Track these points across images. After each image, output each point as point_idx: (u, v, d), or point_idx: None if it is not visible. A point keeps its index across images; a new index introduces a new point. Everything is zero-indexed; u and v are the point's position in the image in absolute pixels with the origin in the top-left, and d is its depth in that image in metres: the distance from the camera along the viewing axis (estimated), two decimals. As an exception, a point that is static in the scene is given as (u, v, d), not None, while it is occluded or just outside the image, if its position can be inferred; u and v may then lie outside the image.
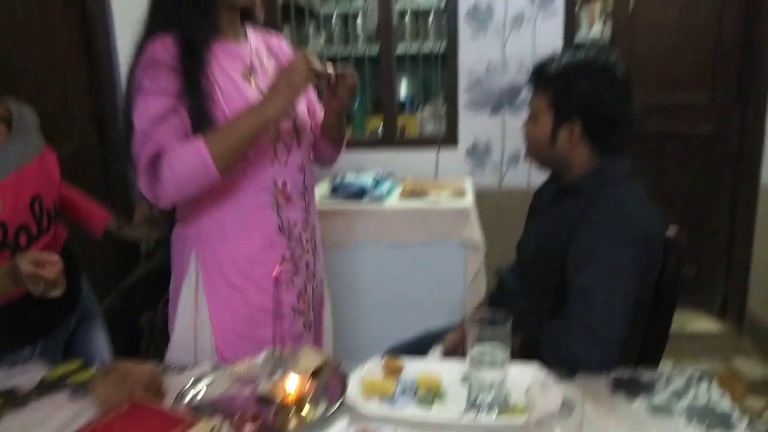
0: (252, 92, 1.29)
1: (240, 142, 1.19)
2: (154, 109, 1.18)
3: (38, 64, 2.32)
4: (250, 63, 1.33)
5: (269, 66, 1.37)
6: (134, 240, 1.76)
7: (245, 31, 1.36)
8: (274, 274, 0.99)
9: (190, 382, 1.10)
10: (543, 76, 1.34)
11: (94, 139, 2.59)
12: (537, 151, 1.40)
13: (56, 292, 1.13)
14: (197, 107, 1.20)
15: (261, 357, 1.15)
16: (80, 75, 2.58)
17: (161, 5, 1.26)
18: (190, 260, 1.32)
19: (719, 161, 3.04)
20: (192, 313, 1.32)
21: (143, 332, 2.16)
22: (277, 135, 1.32)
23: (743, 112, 2.89)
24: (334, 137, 1.48)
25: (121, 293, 2.21)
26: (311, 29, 3.48)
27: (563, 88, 1.30)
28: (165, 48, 1.20)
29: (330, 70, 1.25)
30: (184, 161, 1.16)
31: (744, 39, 2.85)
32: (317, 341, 1.52)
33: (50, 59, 2.51)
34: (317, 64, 1.20)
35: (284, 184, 1.34)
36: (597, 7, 4.13)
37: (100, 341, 1.56)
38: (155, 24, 1.25)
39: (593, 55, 1.33)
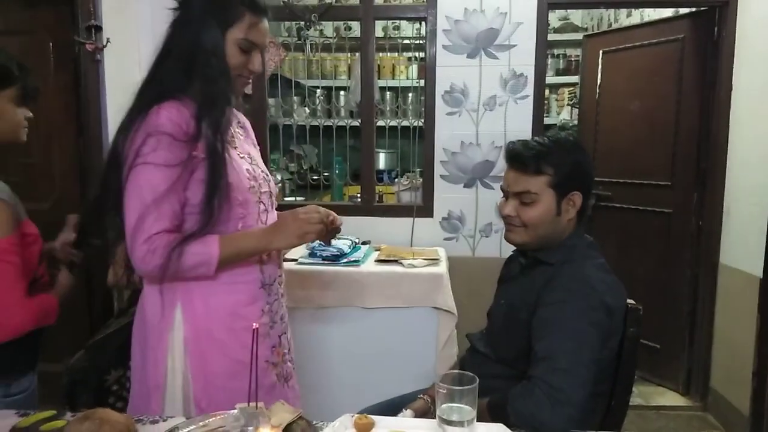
0: (238, 158, 1.38)
1: (241, 256, 1.33)
2: (157, 183, 1.23)
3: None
4: (232, 131, 1.42)
5: (240, 134, 1.47)
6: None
7: None
8: (254, 326, 1.04)
9: (164, 434, 1.11)
10: (533, 159, 1.40)
11: (75, 196, 2.64)
12: (539, 230, 1.43)
13: None
14: (214, 174, 1.26)
15: (234, 411, 1.17)
16: (67, 135, 2.67)
17: (174, 70, 1.29)
18: (174, 313, 1.33)
19: (680, 239, 3.18)
20: (181, 364, 1.33)
21: (110, 390, 2.13)
22: (259, 195, 1.40)
23: (701, 195, 3.06)
24: None
25: (89, 349, 2.18)
26: (295, 101, 3.63)
27: (561, 166, 1.39)
28: (170, 117, 1.24)
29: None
30: (197, 255, 1.26)
31: (701, 127, 3.04)
32: (292, 393, 1.53)
33: (37, 119, 2.60)
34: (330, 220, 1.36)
35: None
36: (566, 93, 4.42)
37: None
38: (161, 91, 1.28)
39: (570, 137, 1.48)
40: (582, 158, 1.43)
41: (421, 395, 1.56)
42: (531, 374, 1.26)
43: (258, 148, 1.54)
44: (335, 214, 1.40)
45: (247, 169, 1.39)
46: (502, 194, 1.51)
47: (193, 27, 1.29)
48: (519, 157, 1.42)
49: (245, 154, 1.42)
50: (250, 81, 1.42)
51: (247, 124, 1.56)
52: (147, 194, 1.23)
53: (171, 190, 1.25)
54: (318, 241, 2.56)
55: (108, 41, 2.61)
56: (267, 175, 1.48)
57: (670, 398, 3.17)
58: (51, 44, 2.61)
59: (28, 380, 1.61)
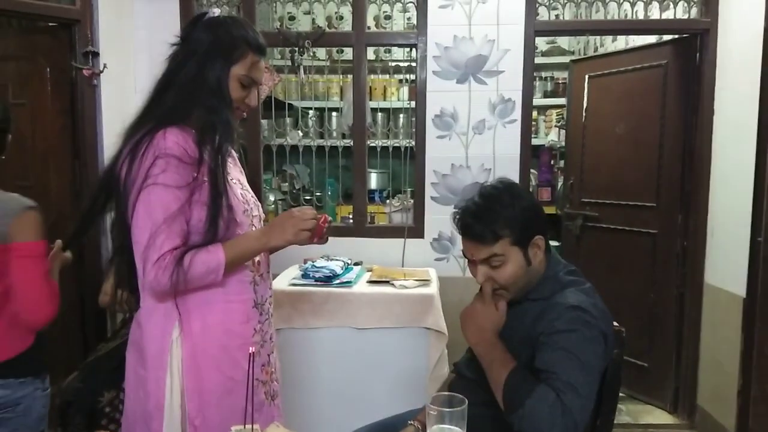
0: (231, 184, 1.43)
1: (244, 258, 1.41)
2: (168, 203, 1.29)
3: (22, 143, 2.45)
4: None
5: (229, 162, 1.49)
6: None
7: None
8: (252, 349, 1.08)
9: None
10: (488, 229, 1.40)
11: (72, 214, 2.67)
12: (518, 285, 1.44)
13: None
14: (217, 197, 1.33)
15: (230, 433, 1.20)
16: (64, 159, 2.71)
17: (176, 99, 1.36)
18: (172, 331, 1.37)
19: (665, 259, 3.24)
20: (179, 382, 1.36)
21: (103, 412, 2.14)
22: (251, 219, 1.47)
23: (686, 216, 3.13)
24: None
25: (82, 371, 2.20)
26: (288, 123, 3.69)
27: (513, 222, 1.40)
28: (176, 141, 1.30)
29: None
30: (205, 263, 1.32)
31: (685, 150, 3.12)
32: (277, 412, 1.56)
33: (33, 143, 2.65)
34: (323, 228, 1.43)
35: (259, 262, 1.49)
36: (554, 115, 4.51)
37: None
38: (163, 117, 1.34)
39: (501, 184, 1.47)
40: (525, 202, 1.43)
41: (412, 421, 1.54)
42: (563, 400, 1.23)
43: (244, 174, 1.60)
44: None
45: (241, 194, 1.46)
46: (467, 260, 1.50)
47: (199, 61, 1.36)
48: (473, 231, 1.42)
49: (235, 179, 1.48)
50: (245, 113, 1.50)
51: (233, 152, 1.60)
52: (159, 214, 1.28)
53: (181, 210, 1.31)
54: (310, 262, 2.62)
55: (105, 67, 2.65)
56: (256, 200, 1.55)
57: (658, 416, 3.21)
58: (48, 69, 2.65)
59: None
